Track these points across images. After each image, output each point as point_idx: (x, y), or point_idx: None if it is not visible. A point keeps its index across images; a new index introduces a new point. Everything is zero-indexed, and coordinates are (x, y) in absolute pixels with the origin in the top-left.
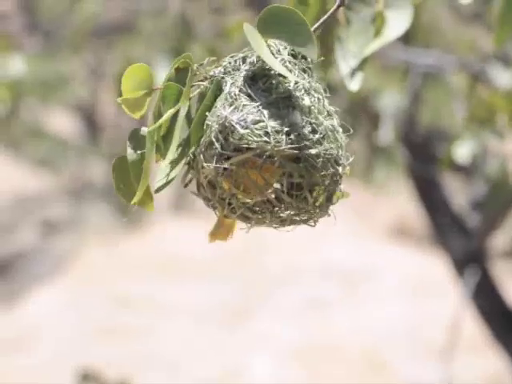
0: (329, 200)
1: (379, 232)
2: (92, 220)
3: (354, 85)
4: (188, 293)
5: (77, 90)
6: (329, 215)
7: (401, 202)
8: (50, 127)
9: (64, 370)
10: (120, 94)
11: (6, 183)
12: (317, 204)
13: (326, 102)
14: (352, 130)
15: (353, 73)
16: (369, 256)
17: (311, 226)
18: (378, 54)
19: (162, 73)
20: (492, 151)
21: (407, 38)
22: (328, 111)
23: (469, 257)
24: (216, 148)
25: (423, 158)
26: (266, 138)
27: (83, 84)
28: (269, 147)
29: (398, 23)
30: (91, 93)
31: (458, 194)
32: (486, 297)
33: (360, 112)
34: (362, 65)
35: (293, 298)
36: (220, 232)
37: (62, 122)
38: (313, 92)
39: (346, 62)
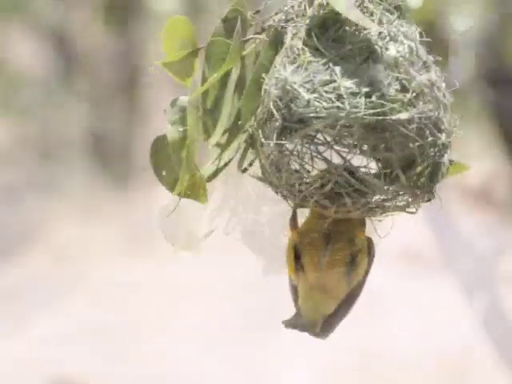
0: (431, 178)
1: (388, 256)
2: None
3: (417, 0)
4: (206, 312)
5: (44, 7)
6: (434, 198)
7: (409, 225)
8: (7, 58)
9: None
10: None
11: None
12: (414, 184)
13: (422, 49)
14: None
15: None
16: (378, 280)
17: (412, 213)
18: None
19: None
20: None
21: None
22: (425, 62)
23: (479, 281)
24: (276, 120)
25: None
26: (338, 104)
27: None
28: (343, 114)
29: None
30: (64, 11)
31: (467, 217)
32: (496, 321)
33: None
34: None
35: None
36: None
37: (23, 52)
38: (402, 38)
39: None
